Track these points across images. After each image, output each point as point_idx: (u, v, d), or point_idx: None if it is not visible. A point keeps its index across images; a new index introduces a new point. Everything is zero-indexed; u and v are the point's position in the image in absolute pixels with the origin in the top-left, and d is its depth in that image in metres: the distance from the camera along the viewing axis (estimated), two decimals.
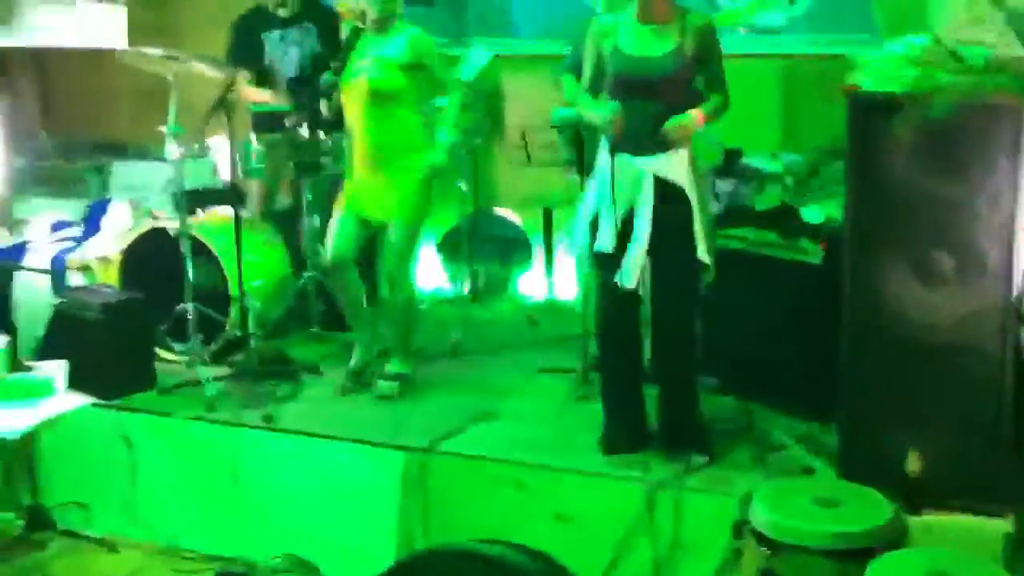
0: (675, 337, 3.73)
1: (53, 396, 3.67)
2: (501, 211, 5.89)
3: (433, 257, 5.83)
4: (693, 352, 3.77)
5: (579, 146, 4.41)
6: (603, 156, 3.71)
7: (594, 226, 3.72)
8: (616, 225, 3.61)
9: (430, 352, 4.82)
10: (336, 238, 4.44)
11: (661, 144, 3.58)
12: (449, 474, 3.85)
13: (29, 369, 3.75)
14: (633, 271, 3.58)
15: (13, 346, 4.12)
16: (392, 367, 4.50)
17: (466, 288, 5.60)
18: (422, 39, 4.41)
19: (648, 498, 3.56)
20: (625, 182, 3.62)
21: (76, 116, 6.90)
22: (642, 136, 3.57)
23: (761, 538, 2.94)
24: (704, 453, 3.72)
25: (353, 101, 4.40)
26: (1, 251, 5.04)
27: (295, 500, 3.99)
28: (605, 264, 3.67)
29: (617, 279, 3.61)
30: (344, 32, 4.92)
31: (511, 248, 5.75)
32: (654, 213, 3.58)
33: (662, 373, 3.81)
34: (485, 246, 5.64)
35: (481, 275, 5.66)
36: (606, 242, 3.63)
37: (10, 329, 4.74)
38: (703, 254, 3.60)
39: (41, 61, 6.95)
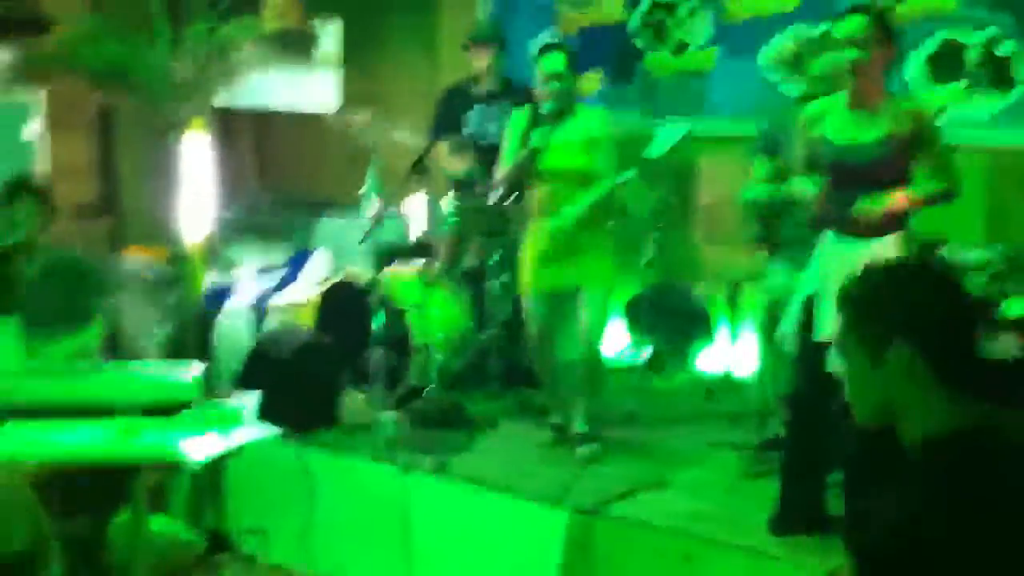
0: None
1: (243, 426, 3.83)
2: (686, 285, 5.87)
3: (616, 325, 5.85)
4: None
5: (768, 224, 4.39)
6: (822, 241, 3.67)
7: (806, 308, 3.66)
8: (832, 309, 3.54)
9: (606, 419, 4.82)
10: (531, 313, 4.57)
11: (877, 228, 3.50)
12: (614, 539, 3.82)
13: (223, 399, 3.94)
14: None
15: (210, 376, 4.34)
16: (581, 428, 4.51)
17: (646, 357, 5.58)
18: (598, 119, 4.50)
19: None
20: (838, 265, 3.55)
21: (289, 174, 7.31)
22: (855, 219, 3.51)
23: None
24: None
25: (538, 180, 4.50)
26: (211, 289, 5.35)
27: (460, 547, 4.03)
28: (816, 349, 3.54)
29: (831, 363, 3.52)
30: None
31: (693, 321, 5.71)
32: None
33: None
34: (668, 317, 5.62)
35: (662, 345, 5.63)
36: (826, 329, 3.54)
37: (210, 360, 5.03)
38: None
39: (260, 121, 7.42)
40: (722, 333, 5.51)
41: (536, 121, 4.48)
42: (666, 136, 5.76)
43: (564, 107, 4.47)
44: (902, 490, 1.67)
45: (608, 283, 4.54)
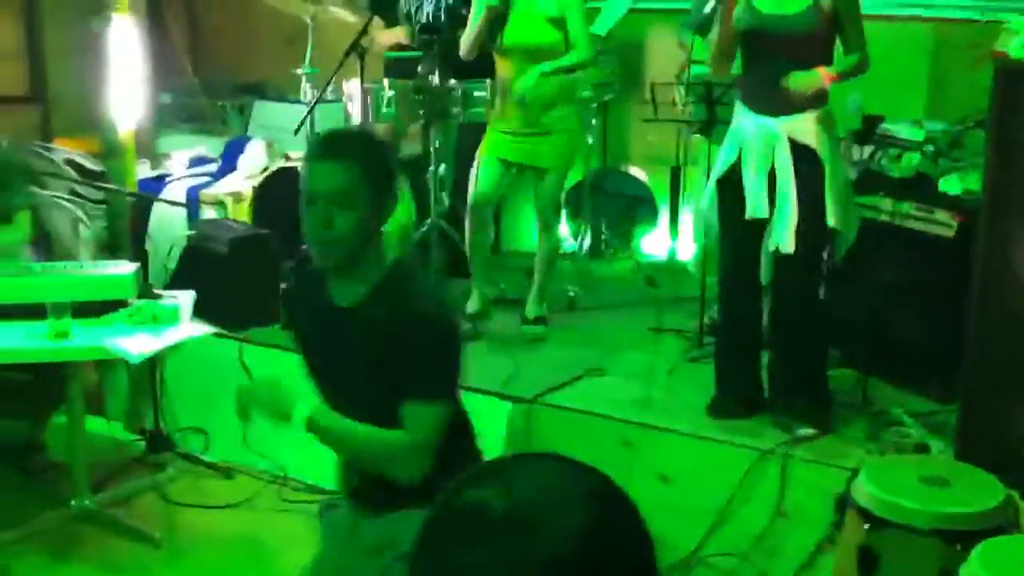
0: (801, 302, 3.64)
1: (179, 324, 3.79)
2: (629, 168, 5.83)
3: None
4: (819, 318, 3.68)
5: (709, 105, 4.33)
6: (738, 117, 3.63)
7: (721, 187, 3.65)
8: (762, 188, 3.53)
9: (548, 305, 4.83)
10: (480, 181, 4.55)
11: (795, 105, 3.47)
12: (555, 427, 3.86)
13: (158, 297, 3.88)
14: (790, 235, 3.49)
15: (144, 274, 4.27)
16: (532, 311, 4.61)
17: (587, 244, 5.57)
18: None
19: (754, 465, 3.51)
20: (759, 143, 3.53)
21: (222, 56, 7.09)
22: (776, 96, 3.47)
23: (864, 513, 2.86)
24: (817, 424, 3.64)
25: (503, 55, 4.45)
26: (141, 182, 5.22)
27: None
28: (746, 227, 3.59)
29: (773, 242, 3.53)
30: None
31: (635, 206, 5.68)
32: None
33: (781, 338, 3.73)
34: (609, 202, 5.59)
35: (603, 232, 5.61)
36: (759, 207, 3.53)
37: (143, 257, 4.94)
38: (833, 219, 3.50)
39: (191, 1, 7.15)
40: (664, 217, 5.50)
41: None
42: (610, 10, 5.64)
43: None
44: None
45: (569, 163, 4.58)
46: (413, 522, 1.02)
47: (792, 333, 3.69)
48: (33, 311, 3.61)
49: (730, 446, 3.62)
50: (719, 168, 3.69)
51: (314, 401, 2.38)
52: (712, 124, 4.31)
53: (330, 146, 2.33)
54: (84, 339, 3.59)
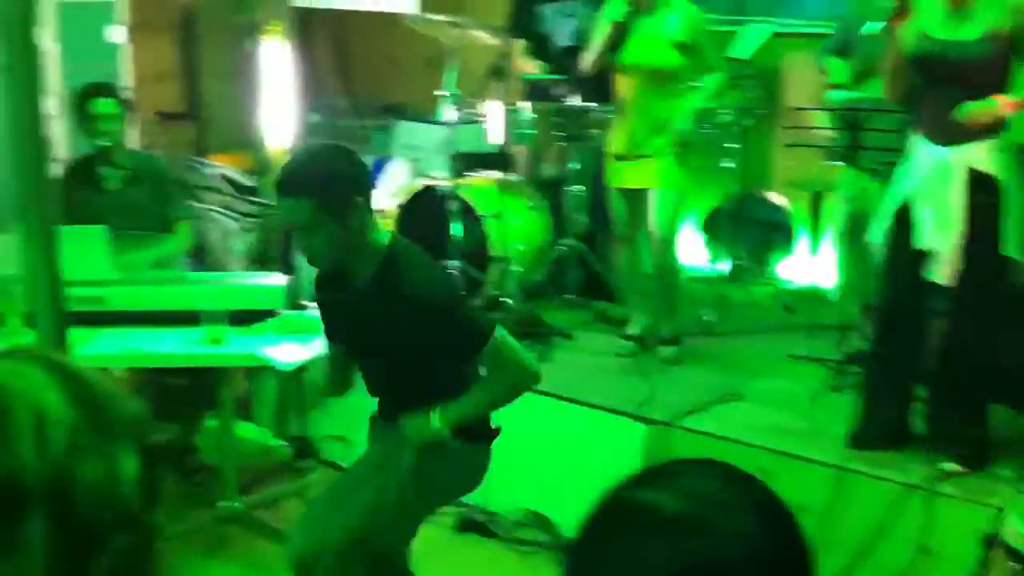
0: (973, 337, 3.52)
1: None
2: (768, 193, 5.78)
3: (695, 236, 5.80)
4: (989, 356, 3.55)
5: (852, 130, 4.27)
6: (913, 147, 3.55)
7: (898, 216, 3.56)
8: (933, 219, 3.45)
9: (684, 330, 4.82)
10: (614, 211, 4.59)
11: (972, 133, 3.36)
12: (691, 451, 3.84)
13: (307, 308, 4.01)
14: (946, 266, 3.42)
15: (294, 286, 4.40)
16: (664, 331, 4.61)
17: (725, 268, 5.54)
18: (695, 16, 4.39)
19: (897, 499, 3.44)
20: (934, 174, 3.45)
21: (367, 78, 7.29)
22: (950, 124, 3.36)
23: (1012, 553, 2.77)
24: (967, 461, 3.52)
25: (627, 77, 4.45)
26: None
27: (539, 458, 4.09)
28: (912, 258, 3.49)
29: (930, 274, 3.45)
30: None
31: (774, 231, 5.63)
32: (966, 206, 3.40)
33: (945, 373, 3.59)
34: (747, 228, 5.55)
35: (741, 257, 5.58)
36: (927, 238, 3.44)
37: (292, 270, 5.09)
38: (1013, 248, 3.39)
39: (339, 23, 7.38)
40: (803, 243, 5.43)
41: (630, 14, 4.39)
42: (751, 36, 5.62)
43: None
44: None
45: (679, 183, 4.47)
46: None
47: (959, 368, 3.57)
48: (188, 318, 3.78)
49: (873, 479, 3.54)
50: (894, 200, 3.60)
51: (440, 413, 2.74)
52: (854, 150, 4.24)
53: (285, 185, 2.65)
54: (237, 346, 3.73)
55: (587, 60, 4.54)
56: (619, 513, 0.97)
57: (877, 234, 3.69)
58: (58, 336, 1.93)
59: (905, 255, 3.52)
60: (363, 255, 2.72)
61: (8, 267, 3.79)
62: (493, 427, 2.98)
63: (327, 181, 2.63)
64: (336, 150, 2.78)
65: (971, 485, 3.44)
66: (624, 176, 4.50)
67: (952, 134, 3.39)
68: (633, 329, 4.67)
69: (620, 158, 4.49)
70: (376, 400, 3.02)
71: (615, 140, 4.52)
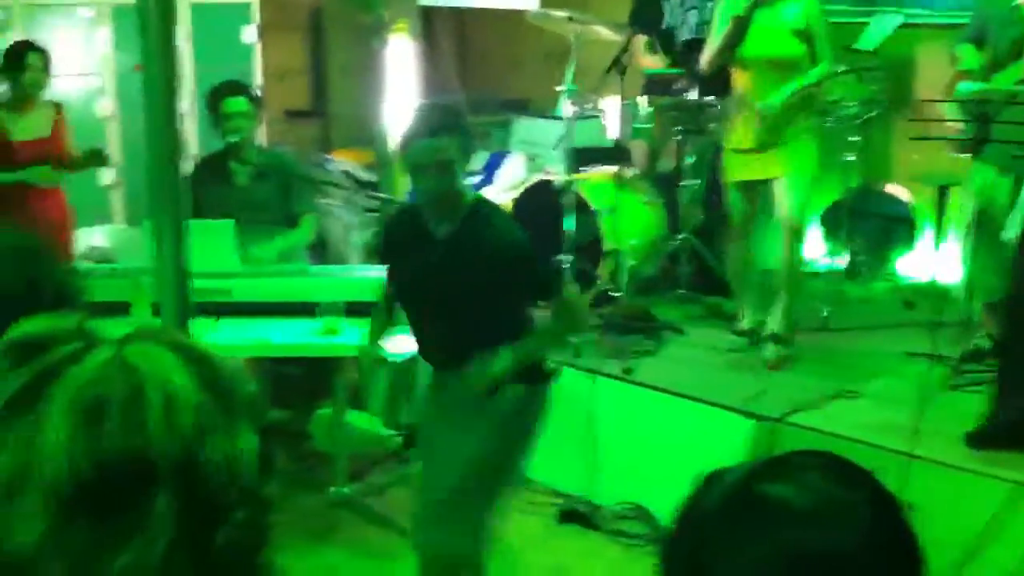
0: None
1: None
2: (890, 187, 5.64)
3: (813, 229, 5.70)
4: None
5: (981, 122, 4.14)
6: None
7: None
8: None
9: (799, 325, 4.75)
10: (731, 208, 4.52)
11: None
12: (800, 447, 3.79)
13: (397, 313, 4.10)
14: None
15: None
16: (775, 327, 4.49)
17: (843, 263, 5.43)
18: (813, 6, 4.32)
19: (1009, 499, 3.34)
20: None
21: (488, 74, 7.39)
22: None
23: None
24: None
25: (744, 67, 4.40)
26: (409, 193, 5.53)
27: (644, 452, 4.11)
28: None
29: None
30: None
31: (895, 226, 5.49)
32: None
33: None
34: (868, 222, 5.43)
35: (860, 251, 5.45)
36: None
37: None
38: None
39: (462, 20, 7.50)
40: (926, 239, 5.29)
41: (754, 6, 4.32)
42: (879, 26, 5.49)
43: None
44: None
45: (810, 171, 4.39)
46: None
47: None
48: (307, 309, 3.92)
49: (986, 478, 3.45)
50: None
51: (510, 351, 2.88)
52: (983, 143, 4.11)
53: (431, 126, 2.85)
54: (351, 337, 3.85)
55: (706, 58, 4.50)
56: (744, 505, 1.00)
57: (1013, 229, 3.59)
58: (183, 327, 2.02)
59: None
60: (457, 204, 2.92)
61: (137, 259, 4.03)
62: (548, 371, 3.13)
63: (464, 124, 2.94)
64: (455, 106, 3.13)
65: None
66: (744, 168, 4.44)
67: None
68: (745, 324, 4.62)
69: (740, 152, 4.44)
70: (426, 356, 3.18)
71: (735, 134, 4.47)
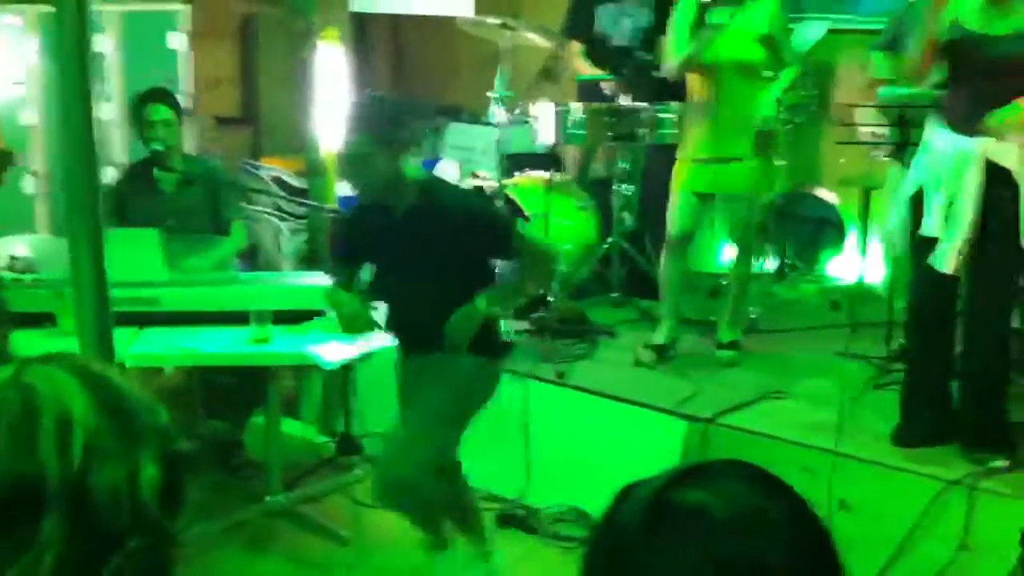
0: (989, 329, 3.52)
1: (373, 334, 3.96)
2: (818, 190, 5.73)
3: None
4: (1006, 346, 3.56)
5: (902, 127, 4.23)
6: (932, 134, 3.53)
7: (913, 205, 3.57)
8: (943, 207, 3.44)
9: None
10: (679, 218, 4.43)
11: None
12: (732, 449, 3.83)
13: (370, 300, 4.06)
14: (951, 256, 3.40)
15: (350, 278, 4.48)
16: (726, 335, 4.55)
17: (771, 265, 5.50)
18: (776, 9, 4.36)
19: (939, 496, 3.41)
20: (952, 163, 3.43)
21: (422, 81, 7.38)
22: (977, 118, 3.36)
23: None
24: (1007, 455, 3.49)
25: (706, 75, 4.37)
26: (340, 199, 5.50)
27: (579, 455, 4.12)
28: (924, 247, 3.50)
29: (933, 262, 3.45)
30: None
31: (823, 229, 5.58)
32: (980, 197, 3.39)
33: (971, 365, 3.61)
34: (796, 225, 5.51)
35: (789, 254, 5.54)
36: (932, 225, 3.46)
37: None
38: None
39: (396, 26, 7.48)
40: (852, 241, 5.38)
41: (703, 10, 4.29)
42: (807, 33, 5.58)
43: None
44: None
45: (765, 187, 4.50)
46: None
47: (981, 360, 3.56)
48: (238, 317, 3.87)
49: (915, 475, 3.51)
50: (908, 187, 3.60)
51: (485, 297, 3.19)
52: (904, 147, 4.20)
53: (350, 122, 3.18)
54: (284, 345, 3.82)
55: (675, 63, 4.36)
56: (669, 517, 1.00)
57: (894, 223, 3.68)
58: (103, 337, 2.00)
59: (927, 247, 3.50)
60: (405, 187, 3.15)
61: (61, 270, 3.96)
62: (504, 342, 3.48)
63: (381, 113, 3.17)
64: (386, 98, 3.43)
65: (1013, 481, 3.40)
66: (702, 180, 4.37)
67: (976, 126, 3.37)
68: (658, 338, 4.56)
69: (700, 162, 4.38)
70: (402, 336, 3.41)
71: (696, 143, 4.41)
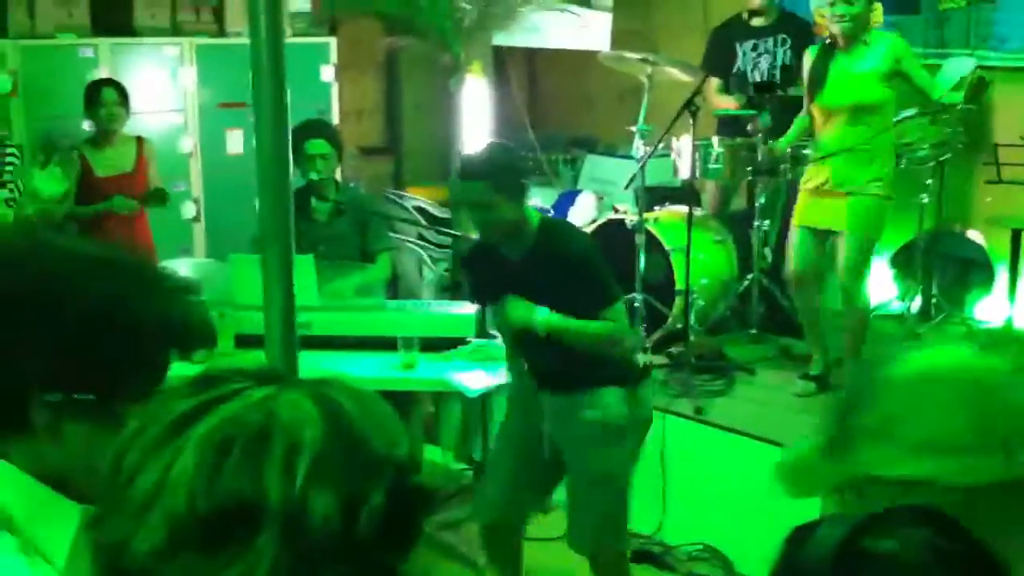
0: None
1: None
2: (966, 230, 5.60)
3: (885, 271, 5.67)
4: None
5: None
6: None
7: None
8: None
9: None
10: (795, 254, 4.52)
11: None
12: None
13: (495, 337, 4.16)
14: None
15: (483, 316, 4.58)
16: (813, 368, 4.57)
17: (916, 306, 5.39)
18: (899, 46, 4.34)
19: None
20: None
21: (558, 113, 7.48)
22: None
23: None
24: None
25: (829, 114, 4.42)
26: None
27: (716, 493, 4.11)
28: None
29: None
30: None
31: (970, 269, 5.43)
32: None
33: None
34: (942, 264, 5.39)
35: (934, 294, 5.41)
36: None
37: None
38: None
39: (533, 60, 7.60)
40: (1002, 282, 5.23)
41: (826, 54, 4.38)
42: (952, 70, 5.47)
43: (854, 34, 4.34)
44: None
45: (869, 226, 4.40)
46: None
47: None
48: (384, 344, 3.99)
49: None
50: None
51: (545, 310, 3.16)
52: None
53: (465, 168, 3.25)
54: (429, 372, 3.91)
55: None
56: (858, 560, 1.00)
57: None
58: (289, 360, 2.05)
59: None
60: (521, 230, 3.20)
61: (219, 292, 4.14)
62: (644, 366, 3.46)
63: (502, 161, 3.21)
64: (505, 146, 3.43)
65: None
66: (816, 214, 4.45)
67: None
68: (815, 369, 4.61)
69: (816, 194, 4.45)
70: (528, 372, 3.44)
71: (812, 178, 4.50)
